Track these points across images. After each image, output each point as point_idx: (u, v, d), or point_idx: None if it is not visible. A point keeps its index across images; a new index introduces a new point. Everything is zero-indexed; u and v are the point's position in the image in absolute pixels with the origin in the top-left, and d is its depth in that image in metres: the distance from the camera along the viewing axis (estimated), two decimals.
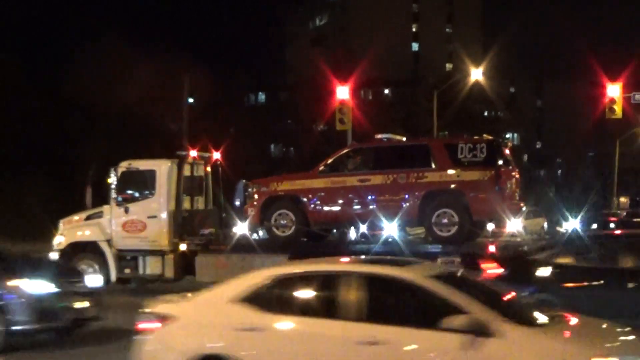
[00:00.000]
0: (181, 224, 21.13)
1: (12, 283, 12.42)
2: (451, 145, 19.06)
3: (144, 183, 21.53)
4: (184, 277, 21.00)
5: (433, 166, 18.85)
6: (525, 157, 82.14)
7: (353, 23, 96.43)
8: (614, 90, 35.65)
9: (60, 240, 21.95)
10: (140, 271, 20.95)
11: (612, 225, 39.82)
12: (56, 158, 53.92)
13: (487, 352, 7.76)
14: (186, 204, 21.94)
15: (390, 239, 19.31)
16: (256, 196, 19.79)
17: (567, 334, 8.35)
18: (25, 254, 16.65)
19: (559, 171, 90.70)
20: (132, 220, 20.97)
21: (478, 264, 18.75)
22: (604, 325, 8.69)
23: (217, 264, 19.81)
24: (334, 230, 21.41)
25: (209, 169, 22.96)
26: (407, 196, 18.83)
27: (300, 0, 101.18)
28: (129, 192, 21.55)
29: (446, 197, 18.63)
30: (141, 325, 8.79)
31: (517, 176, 19.80)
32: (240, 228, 21.31)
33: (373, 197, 19.04)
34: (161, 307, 8.88)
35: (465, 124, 62.12)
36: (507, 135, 79.88)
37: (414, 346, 8.04)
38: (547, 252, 15.14)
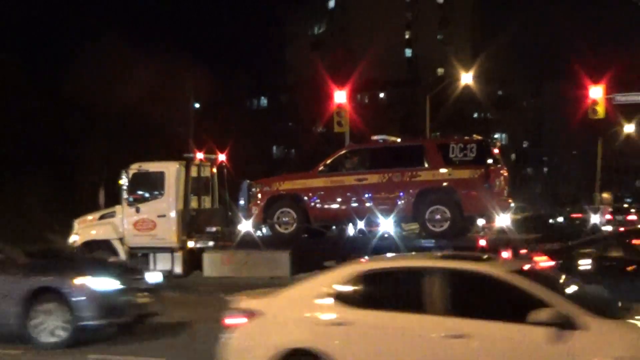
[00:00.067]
0: (189, 222, 21.14)
1: (78, 281, 12.24)
2: (443, 146, 19.10)
3: (153, 184, 21.54)
4: (192, 272, 21.02)
5: (426, 165, 18.89)
6: (513, 156, 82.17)
7: (350, 30, 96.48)
8: (596, 92, 35.65)
9: (75, 238, 21.97)
10: (151, 267, 20.95)
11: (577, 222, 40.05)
12: (56, 158, 53.10)
13: (573, 345, 7.58)
14: (193, 204, 21.94)
15: (386, 235, 19.34)
16: (259, 195, 19.82)
17: None
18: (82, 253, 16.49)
19: (545, 169, 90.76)
20: (143, 219, 20.97)
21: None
22: None
23: (222, 260, 19.82)
24: (333, 227, 21.41)
25: (214, 170, 22.97)
26: (401, 194, 18.87)
27: (300, 7, 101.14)
28: (140, 192, 21.56)
29: (439, 194, 18.67)
30: (228, 321, 8.55)
31: (506, 174, 19.82)
32: (245, 226, 21.34)
33: (370, 195, 19.08)
34: (246, 303, 8.67)
35: (457, 125, 62.13)
36: (496, 136, 79.86)
37: (500, 339, 7.85)
38: (592, 246, 15.04)
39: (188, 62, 57.74)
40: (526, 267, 8.84)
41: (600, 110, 35.55)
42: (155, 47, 55.02)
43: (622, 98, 39.43)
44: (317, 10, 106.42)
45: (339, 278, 8.53)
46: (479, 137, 19.76)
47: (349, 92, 37.05)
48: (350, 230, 21.34)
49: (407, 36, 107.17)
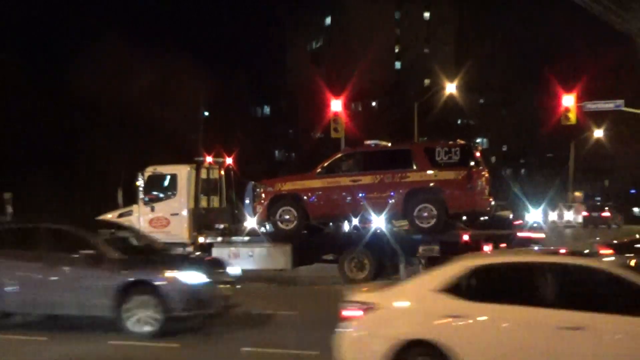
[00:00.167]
0: (199, 220, 21.14)
1: (169, 274, 12.07)
2: (430, 149, 19.09)
3: (167, 185, 21.57)
4: None
5: (414, 167, 18.89)
6: (493, 158, 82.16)
7: (344, 44, 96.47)
8: (568, 100, 35.69)
9: None
10: None
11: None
12: (57, 158, 52.50)
13: None
14: (203, 203, 21.94)
15: (378, 230, 19.35)
16: (263, 195, 19.81)
17: None
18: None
19: (523, 170, 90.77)
20: (158, 217, 20.97)
21: (457, 251, 18.87)
22: None
23: (230, 253, 19.81)
24: (331, 224, 21.40)
25: (222, 172, 22.98)
26: (392, 193, 18.86)
27: (300, 24, 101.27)
28: (155, 193, 21.57)
29: (426, 193, 18.67)
30: (345, 313, 8.26)
31: (487, 175, 19.81)
32: (250, 223, 21.36)
33: (363, 194, 19.08)
34: (362, 296, 8.40)
35: (442, 131, 62.13)
36: (478, 140, 79.86)
37: (615, 331, 7.61)
38: None
39: (198, 73, 57.67)
40: (632, 262, 8.71)
41: (572, 116, 35.61)
42: (169, 59, 54.57)
43: (592, 106, 39.47)
44: (315, 26, 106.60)
45: (453, 272, 8.24)
46: (462, 142, 19.76)
47: (344, 101, 37.09)
48: (346, 227, 21.34)
49: (396, 50, 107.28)
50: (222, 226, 21.64)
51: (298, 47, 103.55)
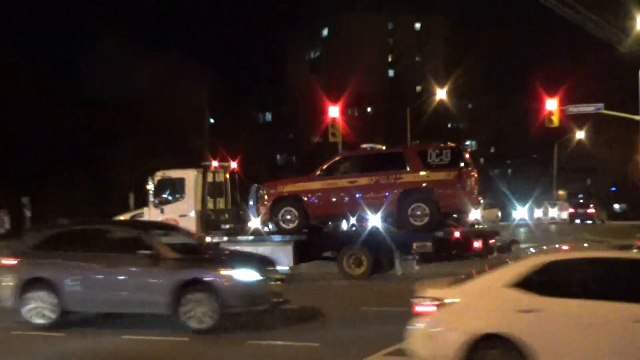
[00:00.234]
0: (206, 220, 21.14)
1: (225, 272, 11.91)
2: (422, 152, 19.08)
3: (175, 188, 21.58)
4: None
5: (408, 169, 18.88)
6: (482, 160, 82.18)
7: (341, 54, 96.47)
8: (551, 104, 35.73)
9: None
10: None
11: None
12: (71, 163, 51.94)
13: None
14: (210, 205, 21.95)
15: (375, 229, 19.34)
16: (266, 197, 19.79)
17: None
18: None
19: (509, 170, 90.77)
20: (167, 219, 20.90)
21: (449, 247, 18.87)
22: None
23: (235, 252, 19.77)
24: (329, 223, 21.39)
25: (227, 175, 22.98)
26: (387, 194, 18.85)
27: (299, 35, 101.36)
28: (164, 196, 21.58)
29: (419, 193, 18.65)
30: (418, 308, 8.04)
31: (476, 175, 19.82)
32: (254, 223, 21.35)
33: (360, 195, 19.07)
34: (434, 292, 8.13)
35: (433, 134, 62.13)
36: (467, 143, 79.88)
37: None
38: None
39: (204, 83, 57.72)
40: None
41: (556, 119, 35.64)
42: (177, 69, 54.48)
43: (574, 109, 39.48)
44: (313, 38, 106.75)
45: (524, 268, 7.97)
46: (453, 144, 19.75)
47: (341, 107, 37.13)
48: (344, 226, 21.33)
49: (389, 59, 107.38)
50: (227, 226, 21.64)
51: (297, 57, 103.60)
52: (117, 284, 12.25)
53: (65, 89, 52.15)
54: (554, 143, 65.36)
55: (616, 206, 73.54)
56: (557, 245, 10.20)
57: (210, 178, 22.02)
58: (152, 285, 12.00)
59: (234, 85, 76.76)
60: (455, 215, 20.09)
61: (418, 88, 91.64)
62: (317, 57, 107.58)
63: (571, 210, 58.32)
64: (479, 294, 8.01)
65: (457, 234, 18.95)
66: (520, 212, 56.02)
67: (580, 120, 57.16)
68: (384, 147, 21.62)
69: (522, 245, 27.38)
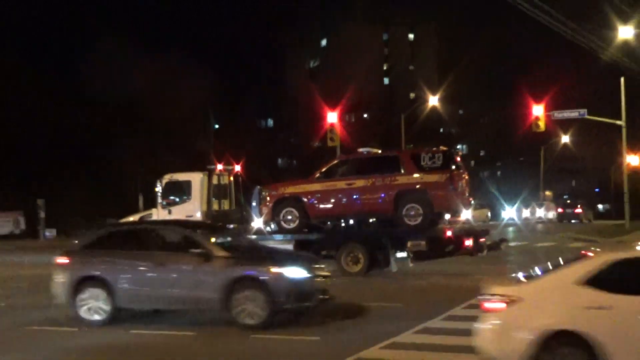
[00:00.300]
0: (212, 221, 21.09)
1: (275, 269, 11.67)
2: (416, 155, 19.06)
3: (182, 191, 21.57)
4: None
5: (402, 171, 18.84)
6: (472, 162, 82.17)
7: (339, 63, 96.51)
8: (538, 110, 35.76)
9: None
10: None
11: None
12: (82, 166, 51.67)
13: None
14: (215, 206, 21.92)
15: (371, 228, 19.28)
16: (268, 198, 19.76)
17: None
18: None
19: (499, 172, 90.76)
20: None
21: (442, 246, 18.83)
22: None
23: None
24: (329, 223, 21.35)
25: (231, 178, 22.97)
26: (383, 195, 18.83)
27: (299, 45, 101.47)
28: (171, 197, 21.56)
29: (413, 194, 18.62)
30: (487, 305, 7.81)
31: (467, 177, 19.79)
32: (257, 223, 21.30)
33: (357, 196, 19.04)
34: (504, 289, 7.88)
35: (426, 138, 62.11)
36: (458, 146, 79.86)
37: None
38: None
39: (209, 90, 57.63)
40: None
41: (542, 124, 35.68)
42: (184, 78, 54.40)
43: (559, 114, 39.55)
44: (312, 47, 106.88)
45: (593, 266, 7.75)
46: (445, 148, 19.73)
47: (339, 113, 37.11)
48: (342, 225, 21.26)
49: (384, 67, 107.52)
50: (232, 226, 21.58)
51: (298, 65, 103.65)
52: (169, 282, 11.99)
53: (66, 89, 51.82)
54: (541, 147, 65.38)
55: (600, 206, 73.57)
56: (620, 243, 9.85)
57: (215, 181, 22.01)
58: (204, 282, 11.76)
59: (237, 92, 76.78)
60: (447, 217, 20.08)
61: (412, 95, 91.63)
62: (317, 65, 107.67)
63: (559, 210, 58.35)
64: (548, 291, 7.80)
65: (449, 233, 18.91)
66: (509, 212, 56.04)
67: (565, 125, 57.22)
68: (380, 151, 21.61)
69: (511, 244, 27.37)
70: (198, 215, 21.06)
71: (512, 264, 20.64)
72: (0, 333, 11.85)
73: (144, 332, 11.59)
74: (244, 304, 11.51)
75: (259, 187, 21.37)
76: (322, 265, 13.02)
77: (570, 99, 49.19)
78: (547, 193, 67.09)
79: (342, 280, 18.16)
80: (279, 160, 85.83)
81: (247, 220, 22.78)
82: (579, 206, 58.16)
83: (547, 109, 37.32)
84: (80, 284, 12.34)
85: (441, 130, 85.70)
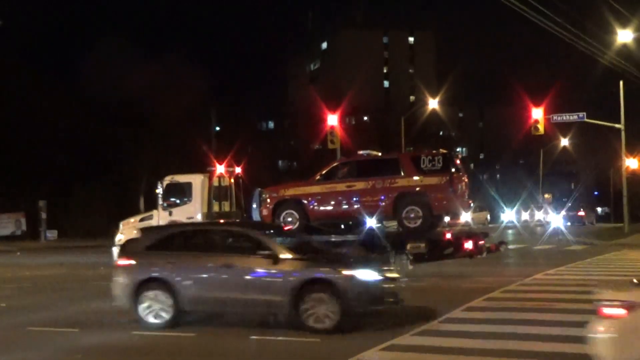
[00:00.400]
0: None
1: (346, 272, 11.27)
2: (415, 158, 19.04)
3: (183, 192, 21.56)
4: None
5: (402, 174, 18.82)
6: (472, 165, 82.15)
7: (339, 66, 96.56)
8: (537, 113, 35.74)
9: (120, 237, 21.89)
10: None
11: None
12: (84, 169, 51.52)
13: None
14: (216, 208, 21.91)
15: (371, 230, 19.25)
16: (268, 200, 19.74)
17: None
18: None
19: (498, 175, 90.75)
20: (175, 221, 20.91)
21: (441, 248, 18.81)
22: None
23: None
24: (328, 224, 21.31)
25: (232, 180, 22.95)
26: (383, 197, 18.80)
27: (300, 48, 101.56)
28: (172, 199, 21.56)
29: (413, 197, 18.60)
30: (606, 311, 7.24)
31: (466, 180, 19.77)
32: None
33: (357, 198, 19.01)
34: (624, 294, 7.35)
35: (426, 141, 62.13)
36: (458, 149, 79.85)
37: None
38: None
39: (211, 93, 57.69)
40: None
41: (541, 127, 35.65)
42: (187, 82, 54.39)
43: (558, 118, 39.56)
44: (313, 51, 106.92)
45: None
46: (444, 151, 19.71)
47: (339, 116, 37.10)
48: (342, 227, 21.23)
49: (384, 70, 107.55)
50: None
51: (298, 68, 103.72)
52: (235, 284, 11.59)
53: (66, 89, 51.70)
54: (540, 149, 65.39)
55: (599, 209, 73.57)
56: None
57: (216, 182, 22.01)
58: (271, 284, 11.44)
59: (238, 95, 76.88)
60: (447, 219, 20.06)
61: (411, 98, 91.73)
62: (317, 68, 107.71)
63: (563, 212, 58.42)
64: None
65: (448, 236, 18.90)
66: (508, 215, 56.05)
67: (564, 128, 57.22)
68: (380, 154, 21.57)
69: (510, 246, 27.37)
70: (199, 217, 21.05)
71: (511, 267, 20.63)
72: (0, 333, 11.83)
73: (145, 333, 11.55)
74: (313, 307, 11.14)
75: (259, 189, 21.34)
76: (392, 268, 12.68)
77: (569, 102, 49.24)
78: (547, 196, 67.09)
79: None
80: (280, 163, 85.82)
81: None
82: (582, 209, 58.24)
83: (547, 112, 37.33)
84: (142, 286, 11.94)
85: (441, 133, 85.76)
